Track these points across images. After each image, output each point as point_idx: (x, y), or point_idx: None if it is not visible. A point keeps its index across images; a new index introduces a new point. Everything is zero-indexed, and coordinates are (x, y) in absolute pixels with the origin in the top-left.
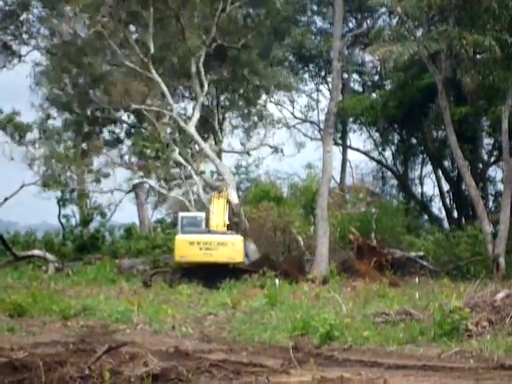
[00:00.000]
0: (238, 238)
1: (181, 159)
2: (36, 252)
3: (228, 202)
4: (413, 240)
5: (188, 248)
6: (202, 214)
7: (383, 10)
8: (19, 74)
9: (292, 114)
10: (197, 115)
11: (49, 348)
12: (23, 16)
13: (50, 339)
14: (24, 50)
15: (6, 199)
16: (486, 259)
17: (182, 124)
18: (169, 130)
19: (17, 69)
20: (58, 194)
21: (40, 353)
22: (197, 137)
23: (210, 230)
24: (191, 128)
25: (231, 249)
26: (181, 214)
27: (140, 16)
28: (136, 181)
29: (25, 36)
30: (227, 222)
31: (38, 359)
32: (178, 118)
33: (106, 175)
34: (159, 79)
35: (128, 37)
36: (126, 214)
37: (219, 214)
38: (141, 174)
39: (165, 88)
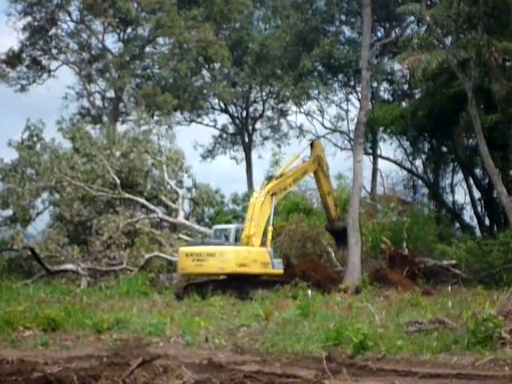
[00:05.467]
0: (227, 248)
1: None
2: (69, 266)
3: (276, 194)
4: (445, 248)
5: (185, 260)
6: (232, 226)
7: (411, 18)
8: (49, 88)
9: (322, 124)
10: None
11: (83, 362)
12: (52, 31)
13: (83, 353)
14: (53, 64)
15: None
16: None
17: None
18: None
19: (47, 83)
20: None
21: (74, 367)
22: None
23: (204, 241)
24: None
25: (219, 259)
26: (215, 227)
27: None
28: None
29: (54, 51)
30: (270, 228)
31: (72, 373)
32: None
33: None
34: None
35: None
36: None
37: (254, 221)
38: None
39: None
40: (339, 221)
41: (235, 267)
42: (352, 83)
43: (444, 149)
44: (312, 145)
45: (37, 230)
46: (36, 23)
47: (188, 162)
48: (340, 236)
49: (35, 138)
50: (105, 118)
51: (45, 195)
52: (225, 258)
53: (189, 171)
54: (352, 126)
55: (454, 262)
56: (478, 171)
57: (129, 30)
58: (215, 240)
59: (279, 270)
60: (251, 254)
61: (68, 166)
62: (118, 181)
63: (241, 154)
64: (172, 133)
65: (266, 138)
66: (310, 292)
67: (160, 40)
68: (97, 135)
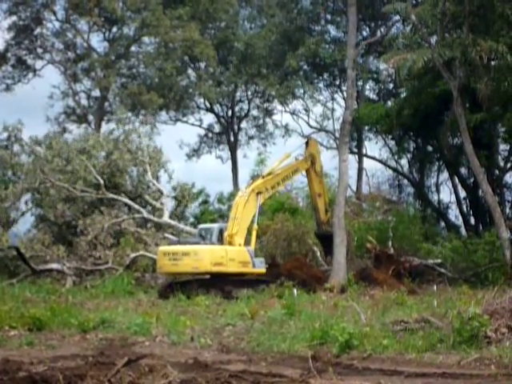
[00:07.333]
0: (202, 248)
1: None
2: (54, 266)
3: (261, 193)
4: (430, 248)
5: (162, 259)
6: (215, 225)
7: (397, 17)
8: (35, 88)
9: (307, 123)
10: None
11: (68, 361)
12: (37, 30)
13: (69, 352)
14: (39, 64)
15: None
16: (503, 265)
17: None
18: None
19: (32, 83)
20: None
21: (59, 366)
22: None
23: (180, 240)
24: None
25: (194, 258)
26: (199, 226)
27: None
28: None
29: (39, 50)
30: (256, 227)
31: (58, 373)
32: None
33: None
34: None
35: None
36: None
37: (237, 220)
38: None
39: None
40: (328, 226)
41: (210, 266)
42: (337, 82)
43: (429, 148)
44: (307, 143)
45: (21, 232)
46: (21, 22)
47: (167, 160)
48: (328, 244)
49: (13, 139)
50: (90, 117)
51: (27, 196)
52: (199, 257)
53: (167, 168)
54: (337, 125)
55: (439, 261)
56: (463, 170)
57: (114, 29)
58: (192, 239)
59: (261, 269)
60: (228, 253)
61: (49, 169)
62: (102, 181)
63: (226, 154)
64: (156, 130)
65: (251, 138)
66: (295, 291)
67: (145, 39)
68: (75, 138)
